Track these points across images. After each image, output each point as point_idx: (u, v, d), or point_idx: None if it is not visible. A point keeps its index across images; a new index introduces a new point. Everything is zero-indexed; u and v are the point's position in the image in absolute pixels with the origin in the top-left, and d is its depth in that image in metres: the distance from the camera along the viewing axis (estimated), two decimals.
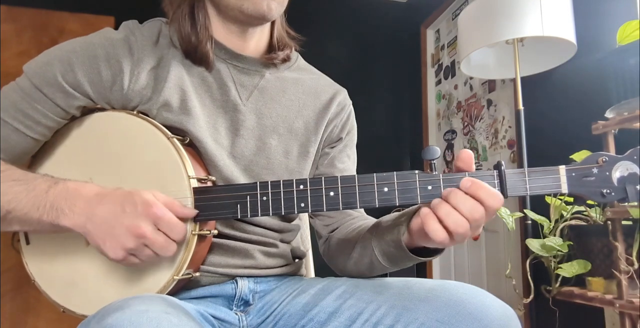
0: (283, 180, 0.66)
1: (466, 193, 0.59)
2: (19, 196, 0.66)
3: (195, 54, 0.77)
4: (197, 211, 0.67)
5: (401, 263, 0.71)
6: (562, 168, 0.62)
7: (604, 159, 0.61)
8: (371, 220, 0.82)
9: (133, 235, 0.62)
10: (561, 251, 1.42)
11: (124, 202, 0.64)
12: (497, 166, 0.62)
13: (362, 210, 0.90)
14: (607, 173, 0.61)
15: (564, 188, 0.61)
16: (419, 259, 0.68)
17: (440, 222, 0.58)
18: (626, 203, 1.24)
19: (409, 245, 0.68)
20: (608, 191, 0.61)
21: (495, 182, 0.62)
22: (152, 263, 0.68)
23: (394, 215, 0.73)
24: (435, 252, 0.69)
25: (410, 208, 0.69)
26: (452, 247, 2.79)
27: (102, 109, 0.77)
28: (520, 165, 1.76)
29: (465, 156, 0.62)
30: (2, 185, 0.67)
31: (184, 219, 0.66)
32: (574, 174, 0.61)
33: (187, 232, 0.66)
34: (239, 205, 0.67)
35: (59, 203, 0.65)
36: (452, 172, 0.63)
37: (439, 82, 3.11)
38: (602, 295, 1.32)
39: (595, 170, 0.61)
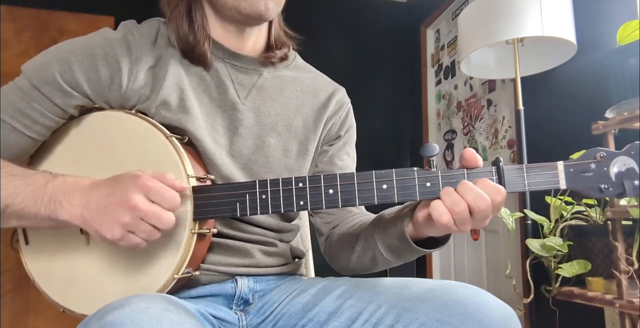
0: (282, 179, 0.66)
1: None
2: (17, 190, 0.66)
3: (193, 54, 0.77)
4: (187, 186, 0.67)
5: (404, 256, 0.72)
6: (560, 164, 0.62)
7: (601, 155, 0.61)
8: (372, 216, 0.82)
9: (125, 208, 0.61)
10: (561, 251, 1.41)
11: (114, 183, 0.64)
12: (496, 162, 0.62)
13: (363, 207, 0.90)
14: (605, 168, 0.61)
15: (562, 184, 0.61)
16: (423, 251, 0.69)
17: (447, 208, 0.59)
18: (626, 203, 1.24)
19: (413, 237, 0.68)
20: (606, 186, 0.61)
21: (494, 178, 0.62)
22: (152, 261, 0.68)
23: (396, 208, 0.73)
24: (438, 243, 0.69)
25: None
26: (452, 247, 2.80)
27: (101, 109, 0.77)
28: None
29: (468, 155, 0.63)
30: (0, 180, 0.67)
31: (175, 189, 0.64)
32: (571, 170, 0.62)
33: (180, 203, 0.64)
34: (238, 204, 0.67)
35: (57, 196, 0.65)
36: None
37: (439, 82, 3.11)
38: (602, 295, 1.32)
39: (593, 166, 0.61)
